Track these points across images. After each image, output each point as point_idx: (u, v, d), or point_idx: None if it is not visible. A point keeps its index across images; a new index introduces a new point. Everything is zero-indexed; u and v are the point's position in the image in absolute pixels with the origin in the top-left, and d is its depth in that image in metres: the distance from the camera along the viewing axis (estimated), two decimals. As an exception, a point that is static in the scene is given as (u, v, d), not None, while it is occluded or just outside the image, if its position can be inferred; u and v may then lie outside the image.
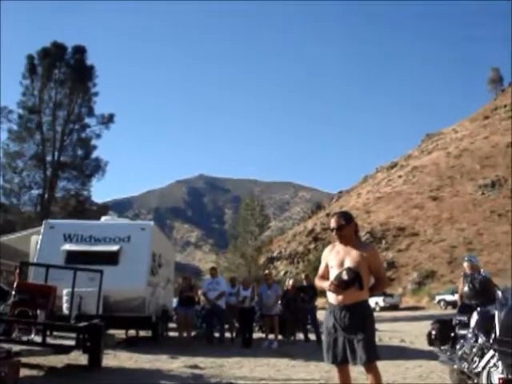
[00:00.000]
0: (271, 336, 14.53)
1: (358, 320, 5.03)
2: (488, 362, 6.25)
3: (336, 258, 5.23)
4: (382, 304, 42.44)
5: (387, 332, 17.92)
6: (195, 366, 9.59)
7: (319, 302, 16.74)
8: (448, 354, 7.52)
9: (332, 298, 5.17)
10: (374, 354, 4.98)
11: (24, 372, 7.45)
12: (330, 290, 5.12)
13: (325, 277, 5.33)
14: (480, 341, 6.65)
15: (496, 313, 6.39)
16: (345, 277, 4.98)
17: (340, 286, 5.00)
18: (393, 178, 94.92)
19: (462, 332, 7.32)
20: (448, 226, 63.82)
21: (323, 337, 5.38)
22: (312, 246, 72.22)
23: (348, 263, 5.11)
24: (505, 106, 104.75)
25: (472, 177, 76.30)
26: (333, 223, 5.34)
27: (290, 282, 16.40)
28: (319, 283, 5.40)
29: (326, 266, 5.35)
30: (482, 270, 9.67)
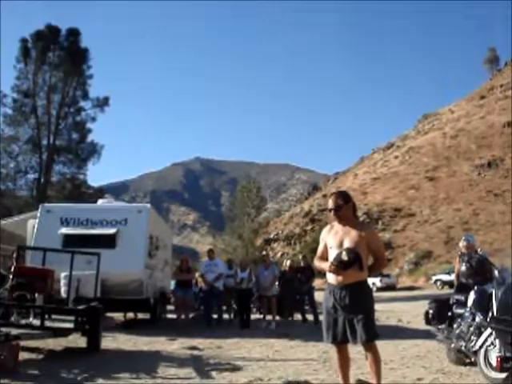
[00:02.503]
0: (269, 317, 14.58)
1: (358, 299, 5.04)
2: (485, 340, 6.29)
3: (335, 239, 5.21)
4: (378, 284, 42.62)
5: (384, 312, 17.98)
6: (194, 348, 9.63)
7: (317, 282, 16.79)
8: (445, 333, 7.56)
9: (332, 278, 5.17)
10: (373, 333, 5.01)
11: (23, 355, 7.49)
12: (329, 271, 5.12)
13: (324, 257, 5.32)
14: (477, 319, 6.69)
15: (493, 291, 6.43)
16: (344, 257, 4.97)
17: (340, 266, 5.00)
18: (389, 159, 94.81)
19: (459, 311, 7.36)
20: (444, 206, 63.91)
21: (323, 317, 5.39)
22: (309, 227, 72.22)
23: (347, 243, 5.10)
24: (501, 86, 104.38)
25: (468, 157, 76.26)
26: (330, 204, 5.32)
27: (288, 262, 16.44)
28: (318, 264, 5.39)
29: (325, 247, 5.32)
30: (478, 249, 9.70)
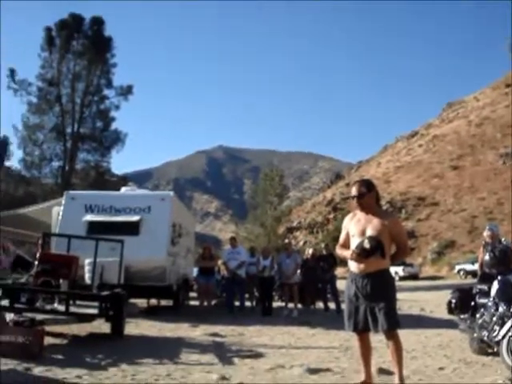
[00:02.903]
0: (291, 305, 14.62)
1: (380, 288, 5.03)
2: (508, 330, 6.25)
3: (357, 227, 5.20)
4: (401, 273, 42.41)
5: (407, 301, 17.94)
6: (216, 334, 9.70)
7: (339, 271, 16.78)
8: (468, 322, 7.52)
9: (354, 266, 5.16)
10: (395, 321, 5.00)
11: (48, 340, 7.58)
12: (351, 259, 5.12)
13: (346, 245, 5.32)
14: (500, 309, 6.64)
15: (517, 281, 6.38)
16: (367, 245, 4.96)
17: (362, 254, 4.99)
18: (413, 147, 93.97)
19: (483, 301, 7.31)
20: (468, 195, 63.25)
21: (344, 305, 5.39)
22: (331, 215, 72.09)
23: (369, 232, 5.09)
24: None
25: (493, 145, 75.16)
26: (354, 191, 5.31)
27: (310, 251, 16.45)
28: (340, 252, 5.39)
29: (347, 235, 5.32)
30: (502, 239, 9.62)
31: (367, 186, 5.33)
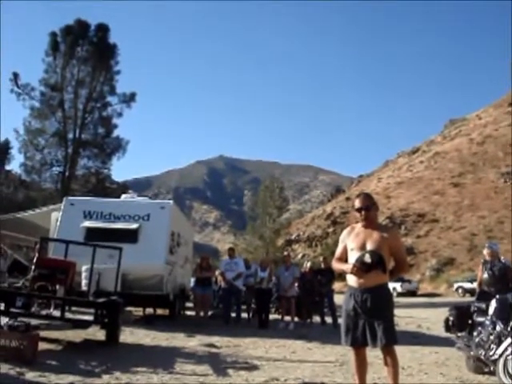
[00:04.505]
0: (287, 318, 14.57)
1: (380, 303, 5.00)
2: (505, 349, 6.22)
3: (356, 241, 5.17)
4: (399, 290, 42.28)
5: (404, 318, 17.86)
6: (211, 345, 9.65)
7: (336, 285, 16.73)
8: (465, 340, 7.48)
9: (353, 280, 5.11)
10: (393, 337, 4.96)
11: (42, 345, 7.54)
12: (351, 273, 5.08)
13: (342, 259, 5.28)
14: (498, 328, 6.61)
15: (515, 300, 6.35)
16: (368, 259, 4.92)
17: (362, 268, 4.95)
18: (414, 164, 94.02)
19: (480, 319, 7.27)
20: (469, 213, 63.21)
21: (342, 319, 5.34)
22: (330, 229, 72.01)
23: (369, 245, 5.06)
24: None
25: (495, 164, 75.24)
26: (359, 203, 5.29)
27: (308, 264, 16.42)
28: (337, 265, 5.34)
29: (344, 248, 5.29)
30: (502, 258, 9.58)
31: (371, 200, 5.35)
